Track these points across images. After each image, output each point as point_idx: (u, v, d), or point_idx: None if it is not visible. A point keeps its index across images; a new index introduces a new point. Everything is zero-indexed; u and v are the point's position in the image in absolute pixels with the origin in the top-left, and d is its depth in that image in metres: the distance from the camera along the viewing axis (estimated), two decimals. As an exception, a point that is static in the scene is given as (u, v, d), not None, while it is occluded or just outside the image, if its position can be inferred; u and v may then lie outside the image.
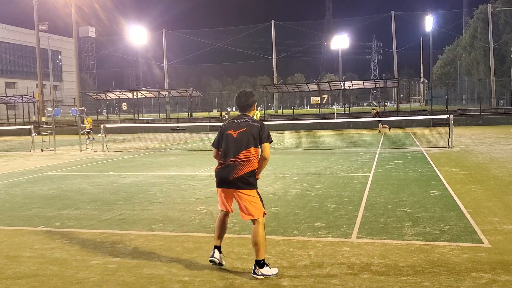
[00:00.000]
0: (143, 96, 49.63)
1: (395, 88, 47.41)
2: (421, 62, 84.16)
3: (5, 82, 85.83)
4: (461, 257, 4.67)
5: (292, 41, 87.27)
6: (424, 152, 15.12)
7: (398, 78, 52.64)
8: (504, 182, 9.13)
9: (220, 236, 4.65)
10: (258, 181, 4.55)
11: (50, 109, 22.13)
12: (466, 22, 70.58)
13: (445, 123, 24.56)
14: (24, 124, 42.24)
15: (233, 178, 4.34)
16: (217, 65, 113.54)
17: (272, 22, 57.03)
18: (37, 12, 44.82)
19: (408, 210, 6.79)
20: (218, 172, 4.49)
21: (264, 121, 35.82)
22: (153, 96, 49.93)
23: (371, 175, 10.45)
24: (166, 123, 40.52)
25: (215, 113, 57.88)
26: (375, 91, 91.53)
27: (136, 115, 46.19)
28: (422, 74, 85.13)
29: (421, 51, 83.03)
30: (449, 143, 16.26)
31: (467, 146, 16.88)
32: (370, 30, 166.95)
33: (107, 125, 21.47)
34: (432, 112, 36.08)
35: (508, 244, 5.10)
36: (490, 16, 50.38)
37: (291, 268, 4.52)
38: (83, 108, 25.10)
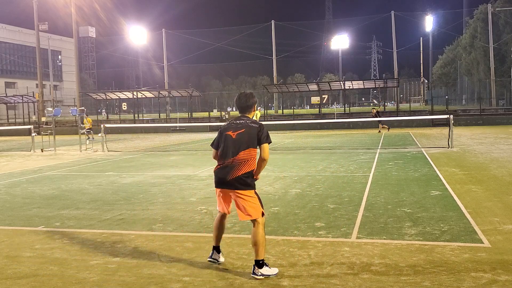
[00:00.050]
0: (143, 96, 49.64)
1: (395, 88, 47.43)
2: (421, 62, 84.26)
3: (5, 82, 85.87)
4: (461, 257, 4.67)
5: (292, 41, 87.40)
6: (424, 152, 15.12)
7: (398, 78, 52.65)
8: (504, 182, 9.13)
9: (218, 237, 4.71)
10: (257, 181, 4.58)
11: (50, 109, 22.12)
12: (466, 22, 70.62)
13: (445, 123, 24.57)
14: (24, 124, 42.25)
15: (231, 179, 4.36)
16: (217, 65, 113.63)
17: (272, 22, 57.04)
18: (37, 12, 44.84)
19: (408, 210, 6.80)
20: (216, 173, 4.53)
21: (264, 121, 35.91)
22: (153, 96, 49.94)
23: (371, 175, 10.45)
24: (166, 123, 40.52)
25: (215, 113, 57.89)
26: (375, 91, 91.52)
27: (136, 115, 46.19)
28: (422, 74, 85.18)
29: (421, 51, 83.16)
30: (449, 143, 16.26)
31: (467, 146, 16.88)
32: (370, 30, 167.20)
33: (107, 125, 21.47)
34: (432, 112, 36.09)
35: (508, 244, 5.10)
36: (490, 16, 50.39)
37: (291, 268, 4.52)
38: (83, 108, 25.11)
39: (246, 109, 4.64)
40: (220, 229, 4.68)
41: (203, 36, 70.24)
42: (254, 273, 4.29)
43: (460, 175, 10.08)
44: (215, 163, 4.65)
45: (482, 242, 5.17)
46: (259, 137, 4.42)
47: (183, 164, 13.95)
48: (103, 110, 63.66)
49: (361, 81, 48.11)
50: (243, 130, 4.45)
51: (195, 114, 49.17)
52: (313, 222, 6.29)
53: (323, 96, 42.14)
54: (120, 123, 42.44)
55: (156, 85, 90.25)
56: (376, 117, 27.09)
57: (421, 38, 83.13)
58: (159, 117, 48.60)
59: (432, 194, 7.97)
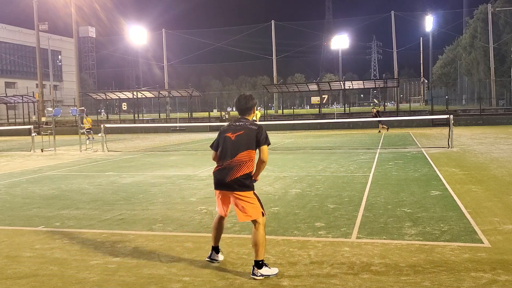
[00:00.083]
0: (143, 96, 49.63)
1: (395, 88, 47.42)
2: (421, 62, 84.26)
3: (5, 82, 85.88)
4: (461, 257, 4.67)
5: (292, 41, 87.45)
6: (424, 152, 15.12)
7: (398, 78, 52.66)
8: (504, 182, 9.13)
9: (217, 238, 4.74)
10: (257, 181, 4.60)
11: (50, 109, 22.12)
12: (466, 22, 70.63)
13: (445, 123, 24.56)
14: (24, 124, 42.25)
15: (229, 181, 4.37)
16: (217, 65, 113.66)
17: (272, 22, 57.06)
18: (37, 12, 44.85)
19: (408, 210, 6.80)
20: (215, 174, 4.55)
21: (264, 121, 35.94)
22: (153, 96, 49.93)
23: (371, 175, 10.45)
24: (166, 123, 40.52)
25: (215, 113, 57.88)
26: (375, 91, 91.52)
27: (136, 115, 46.18)
28: (422, 74, 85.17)
29: (421, 51, 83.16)
30: (449, 143, 16.26)
31: (467, 146, 16.88)
32: (370, 30, 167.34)
33: (107, 125, 21.47)
34: (432, 112, 36.09)
35: (508, 244, 5.10)
36: (490, 16, 50.40)
37: (291, 268, 4.52)
38: (83, 108, 25.12)
39: (245, 111, 4.65)
40: (218, 229, 4.72)
41: (203, 36, 70.36)
42: (253, 273, 4.29)
43: (460, 175, 10.08)
44: (215, 163, 4.65)
45: (482, 242, 5.17)
46: (258, 139, 4.43)
47: (183, 164, 13.95)
48: (103, 110, 63.69)
49: (361, 81, 48.11)
50: (242, 132, 4.46)
51: (195, 114, 49.17)
52: (313, 222, 6.29)
53: (323, 96, 42.13)
54: (120, 123, 42.43)
55: (156, 85, 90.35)
56: (376, 117, 27.06)
57: (421, 38, 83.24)
58: (159, 117, 48.60)
59: (432, 194, 7.97)
